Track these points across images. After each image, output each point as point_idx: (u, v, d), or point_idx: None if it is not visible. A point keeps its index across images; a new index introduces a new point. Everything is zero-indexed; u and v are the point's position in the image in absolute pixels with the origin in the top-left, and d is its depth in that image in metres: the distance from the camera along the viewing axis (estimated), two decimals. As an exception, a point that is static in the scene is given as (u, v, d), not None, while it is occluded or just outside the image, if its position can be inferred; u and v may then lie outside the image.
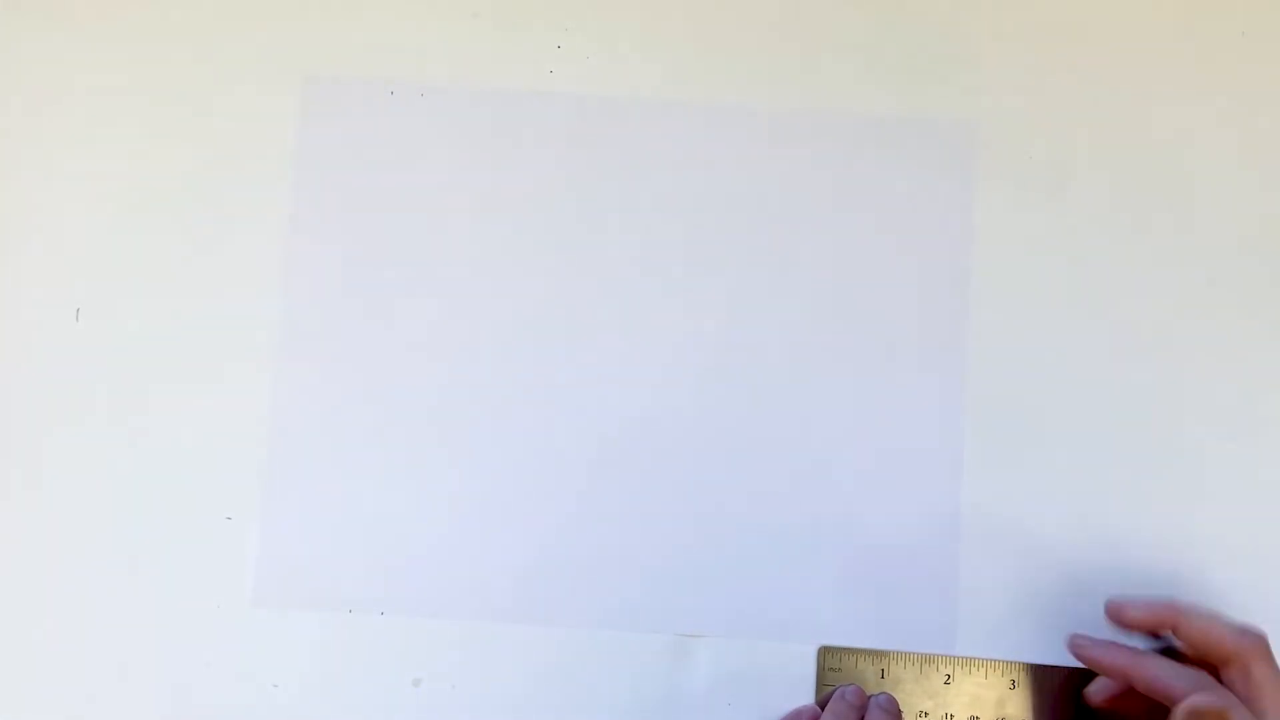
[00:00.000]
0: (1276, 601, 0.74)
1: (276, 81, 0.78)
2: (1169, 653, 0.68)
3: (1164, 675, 0.65)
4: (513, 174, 0.78)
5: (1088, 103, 0.78)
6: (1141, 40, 0.78)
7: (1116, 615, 0.70)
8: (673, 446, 0.76)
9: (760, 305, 0.76)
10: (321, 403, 0.76)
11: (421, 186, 0.78)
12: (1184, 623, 0.67)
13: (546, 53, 0.79)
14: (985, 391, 0.76)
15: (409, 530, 0.75)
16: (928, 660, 0.73)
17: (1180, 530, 0.73)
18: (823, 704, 0.73)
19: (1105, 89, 0.78)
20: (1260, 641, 0.65)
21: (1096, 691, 0.71)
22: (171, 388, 0.77)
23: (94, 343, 0.77)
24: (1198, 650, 0.66)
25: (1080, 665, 0.71)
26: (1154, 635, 0.70)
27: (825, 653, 0.74)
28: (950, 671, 0.73)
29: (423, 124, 0.78)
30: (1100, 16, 0.78)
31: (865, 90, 0.78)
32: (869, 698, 0.71)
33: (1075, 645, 0.70)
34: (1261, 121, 0.78)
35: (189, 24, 0.79)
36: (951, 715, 0.73)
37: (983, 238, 0.77)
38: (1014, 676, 0.73)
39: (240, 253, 0.77)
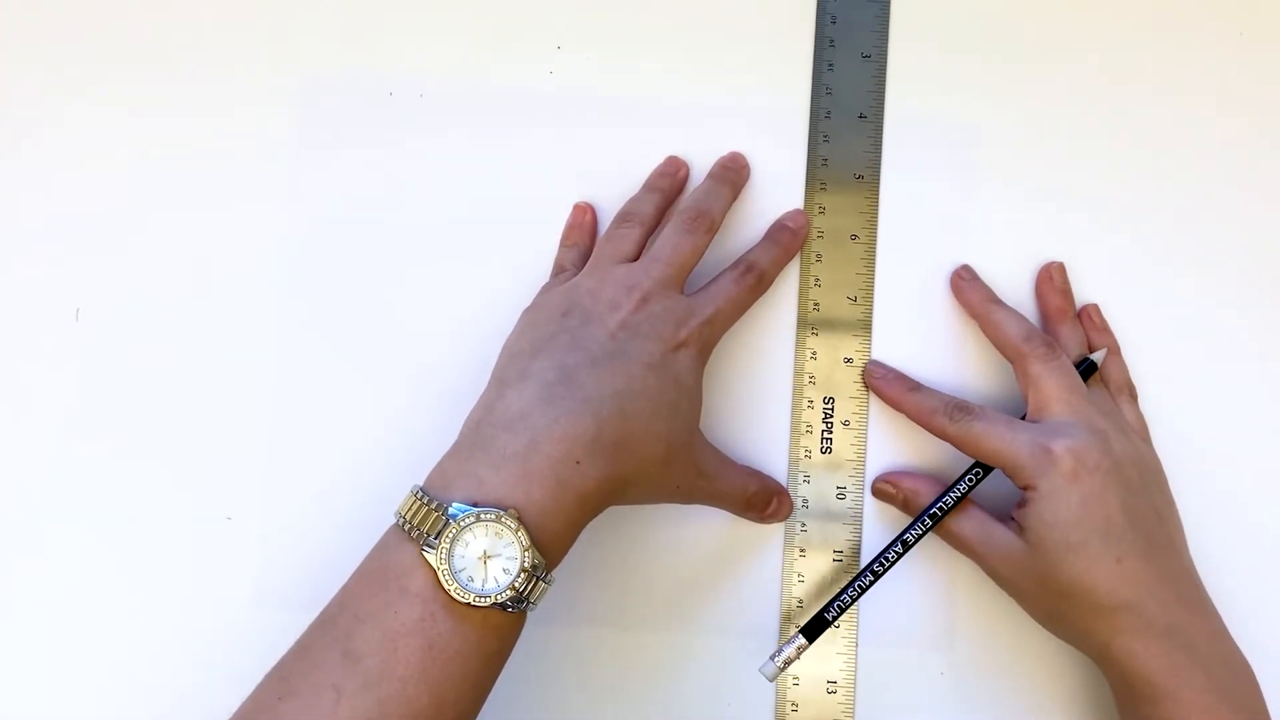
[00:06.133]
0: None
1: (276, 82, 0.78)
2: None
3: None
4: (513, 174, 0.78)
5: (1087, 103, 0.78)
6: (1141, 41, 0.78)
7: (954, 290, 0.77)
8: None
9: (761, 303, 0.76)
10: (322, 402, 0.76)
11: (420, 186, 0.78)
12: (984, 317, 0.75)
13: (546, 53, 0.79)
14: (985, 391, 0.76)
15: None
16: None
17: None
18: None
19: (1105, 90, 0.78)
20: (1038, 346, 0.72)
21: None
22: (171, 388, 0.77)
23: (94, 343, 0.77)
24: (994, 344, 0.75)
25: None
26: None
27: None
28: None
29: (422, 124, 0.78)
30: (1100, 17, 0.78)
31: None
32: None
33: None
34: (1260, 121, 0.78)
35: (188, 24, 0.78)
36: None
37: (982, 237, 0.77)
38: None
39: (240, 253, 0.77)
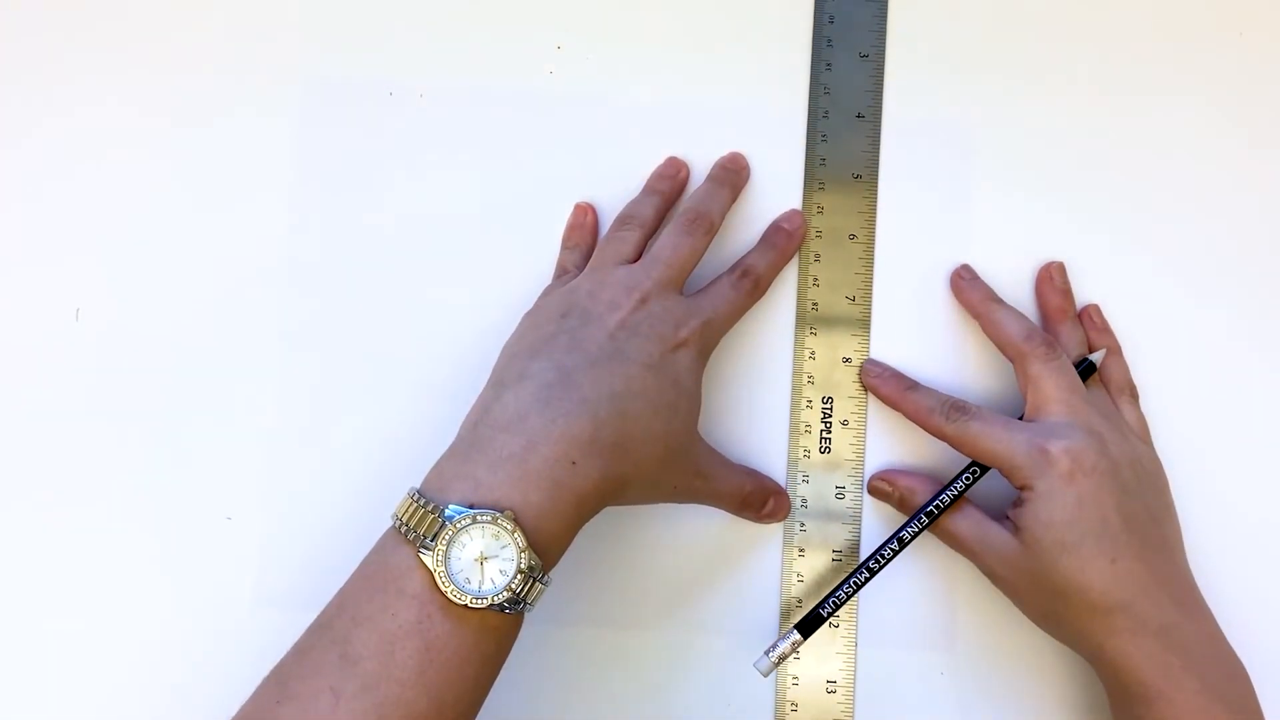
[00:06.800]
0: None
1: (276, 82, 0.78)
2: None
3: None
4: (513, 174, 0.78)
5: (1087, 102, 0.78)
6: (1141, 40, 0.78)
7: (954, 289, 0.77)
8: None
9: (759, 302, 0.76)
10: (322, 402, 0.77)
11: (421, 187, 0.78)
12: (984, 316, 0.75)
13: (546, 53, 0.79)
14: (984, 391, 0.76)
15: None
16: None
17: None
18: None
19: (1104, 90, 0.78)
20: (1039, 346, 0.72)
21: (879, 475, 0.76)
22: (172, 388, 0.77)
23: (94, 343, 0.77)
24: (994, 342, 0.75)
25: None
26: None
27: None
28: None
29: (422, 124, 0.78)
30: (1099, 18, 0.78)
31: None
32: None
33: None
34: (1260, 121, 0.78)
35: (189, 25, 0.78)
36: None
37: (981, 237, 0.77)
38: None
39: (240, 253, 0.77)
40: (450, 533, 0.59)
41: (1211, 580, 0.70)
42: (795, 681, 0.75)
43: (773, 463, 0.76)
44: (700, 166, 0.77)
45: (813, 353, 0.76)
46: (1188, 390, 0.77)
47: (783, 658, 0.70)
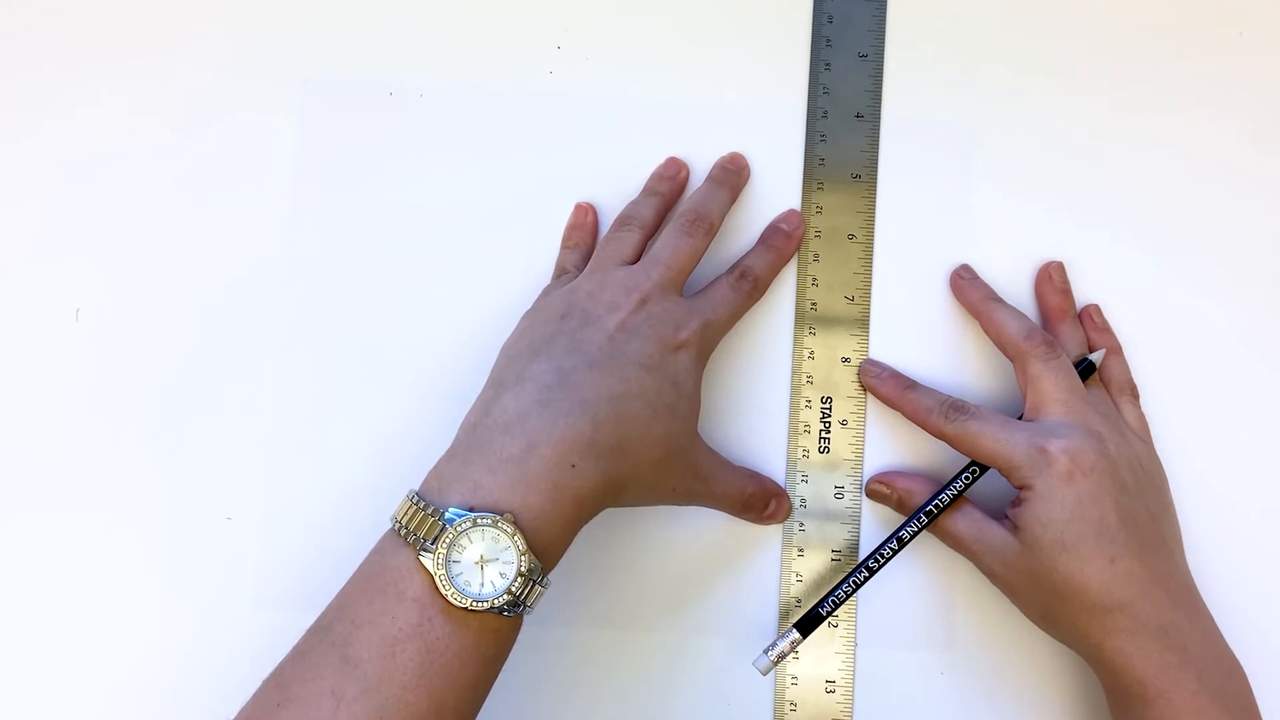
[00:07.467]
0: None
1: (276, 82, 0.78)
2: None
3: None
4: (513, 174, 0.78)
5: (1087, 102, 0.78)
6: (1140, 40, 0.78)
7: (954, 289, 0.77)
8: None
9: (759, 302, 0.76)
10: (322, 403, 0.76)
11: (421, 187, 0.78)
12: (984, 315, 0.75)
13: (546, 53, 0.79)
14: (983, 390, 0.76)
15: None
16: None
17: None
18: None
19: (1104, 90, 0.78)
20: (1039, 345, 0.72)
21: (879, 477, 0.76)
22: (172, 388, 0.77)
23: (94, 343, 0.77)
24: (994, 342, 0.75)
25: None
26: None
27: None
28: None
29: (422, 124, 0.78)
30: (1099, 17, 0.78)
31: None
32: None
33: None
34: (1260, 121, 0.78)
35: (189, 25, 0.78)
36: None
37: (981, 237, 0.77)
38: None
39: (240, 253, 0.77)
40: (450, 536, 0.59)
41: (1211, 580, 0.70)
42: (794, 681, 0.75)
43: (772, 463, 0.76)
44: (700, 166, 0.77)
45: (812, 352, 0.76)
46: (1188, 390, 0.77)
47: (781, 657, 0.70)
